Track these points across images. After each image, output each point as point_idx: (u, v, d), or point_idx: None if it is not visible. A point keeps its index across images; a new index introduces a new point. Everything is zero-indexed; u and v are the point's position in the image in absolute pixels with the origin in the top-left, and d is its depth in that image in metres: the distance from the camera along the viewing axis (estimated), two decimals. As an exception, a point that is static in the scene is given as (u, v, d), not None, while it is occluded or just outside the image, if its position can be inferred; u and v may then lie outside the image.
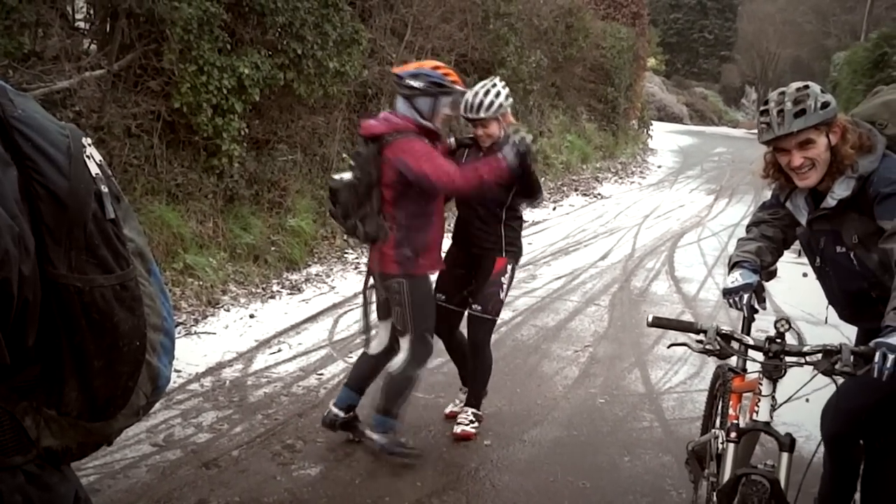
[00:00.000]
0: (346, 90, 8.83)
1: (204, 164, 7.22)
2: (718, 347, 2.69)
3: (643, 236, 11.05)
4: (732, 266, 3.13)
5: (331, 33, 8.04)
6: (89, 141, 1.25)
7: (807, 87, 2.80)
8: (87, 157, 1.23)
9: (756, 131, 2.97)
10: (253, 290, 7.08)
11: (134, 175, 6.58)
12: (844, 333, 3.89)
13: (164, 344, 1.40)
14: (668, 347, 2.97)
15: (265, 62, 7.33)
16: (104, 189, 1.24)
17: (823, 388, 2.95)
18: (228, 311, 6.55)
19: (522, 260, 9.00)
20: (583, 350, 6.29)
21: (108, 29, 6.84)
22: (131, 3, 6.29)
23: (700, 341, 2.69)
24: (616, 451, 4.61)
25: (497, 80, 4.35)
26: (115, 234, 1.25)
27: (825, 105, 2.75)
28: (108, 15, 6.77)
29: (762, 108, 2.85)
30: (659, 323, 2.78)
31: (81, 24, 7.07)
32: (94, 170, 1.24)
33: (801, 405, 3.52)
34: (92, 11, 6.96)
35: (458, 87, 4.20)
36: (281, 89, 7.77)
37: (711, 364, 4.41)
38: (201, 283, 6.70)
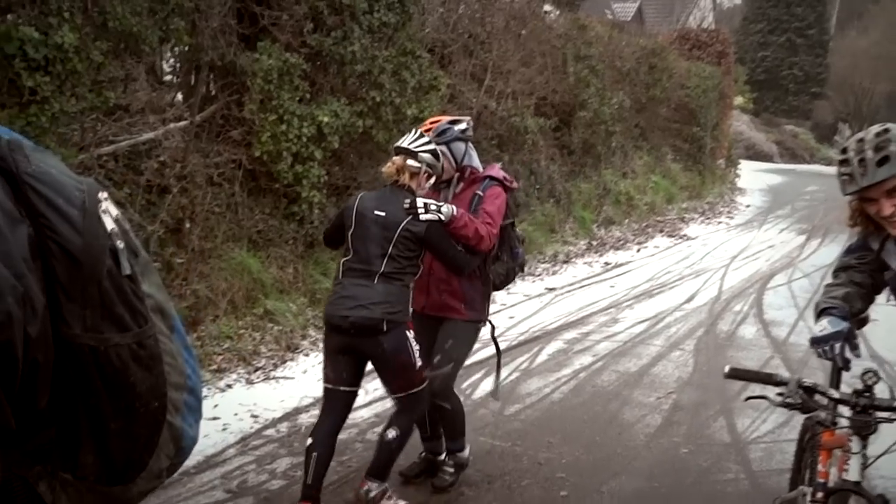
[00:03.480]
0: (424, 135, 8.90)
1: (284, 211, 7.34)
2: (800, 401, 2.50)
3: (730, 278, 10.72)
4: (820, 313, 2.89)
5: (409, 80, 8.13)
6: (106, 195, 1.22)
7: (886, 130, 2.59)
8: (103, 211, 1.20)
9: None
10: (331, 335, 7.09)
11: (216, 222, 6.72)
12: (945, 382, 3.65)
13: (189, 402, 1.35)
14: (746, 400, 2.80)
15: (344, 110, 7.44)
16: (120, 244, 1.20)
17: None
18: (307, 355, 6.58)
19: (604, 303, 9.02)
20: (666, 397, 6.09)
21: (191, 81, 7.07)
22: (214, 57, 6.50)
23: (780, 394, 2.51)
24: (700, 505, 4.42)
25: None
26: (132, 290, 1.21)
27: None
28: (192, 68, 7.00)
29: (841, 157, 2.65)
30: (736, 374, 2.61)
31: (168, 77, 7.32)
32: (110, 225, 1.20)
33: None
34: (178, 65, 7.20)
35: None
36: (360, 136, 7.87)
37: (801, 413, 4.21)
38: (281, 328, 6.76)
